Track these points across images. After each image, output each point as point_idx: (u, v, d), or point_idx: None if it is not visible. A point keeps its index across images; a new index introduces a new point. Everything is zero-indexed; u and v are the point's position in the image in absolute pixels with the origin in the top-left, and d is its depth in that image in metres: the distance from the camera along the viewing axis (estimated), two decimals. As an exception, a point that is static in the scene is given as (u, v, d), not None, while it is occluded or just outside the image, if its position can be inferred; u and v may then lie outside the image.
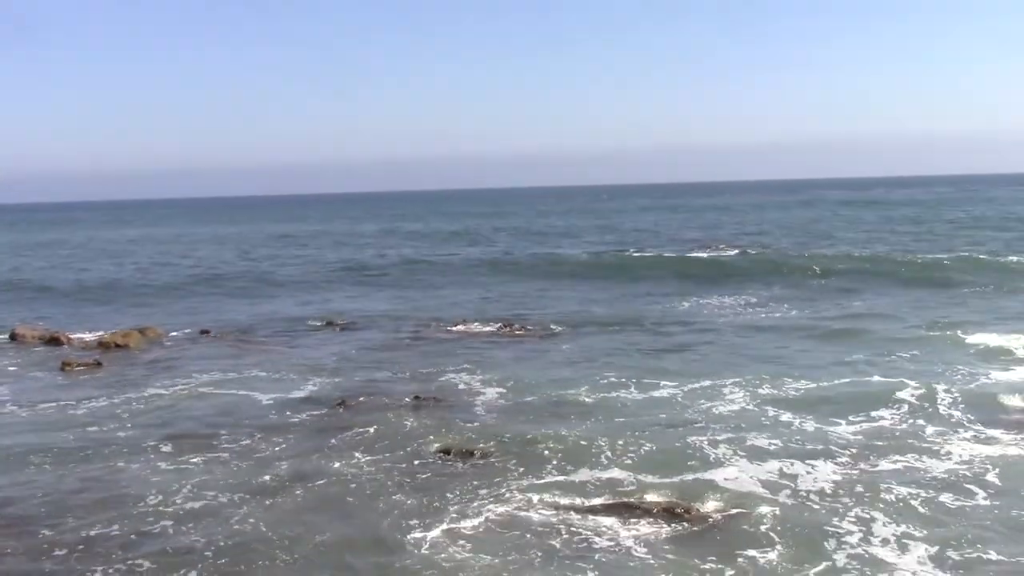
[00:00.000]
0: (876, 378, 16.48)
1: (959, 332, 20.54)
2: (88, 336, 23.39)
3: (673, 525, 9.91)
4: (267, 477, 11.73)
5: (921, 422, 13.60)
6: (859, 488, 10.85)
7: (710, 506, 10.40)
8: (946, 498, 10.49)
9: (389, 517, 10.27)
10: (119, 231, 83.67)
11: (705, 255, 40.52)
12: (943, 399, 14.72)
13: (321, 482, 11.50)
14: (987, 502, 10.38)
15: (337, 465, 12.12)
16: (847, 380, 16.38)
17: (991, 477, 11.12)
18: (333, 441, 13.26)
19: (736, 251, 41.66)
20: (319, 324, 24.82)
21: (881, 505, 10.28)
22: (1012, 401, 14.58)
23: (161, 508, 10.71)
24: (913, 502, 10.38)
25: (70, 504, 10.94)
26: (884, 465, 11.73)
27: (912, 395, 14.95)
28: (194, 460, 12.55)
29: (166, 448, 13.14)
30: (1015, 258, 34.69)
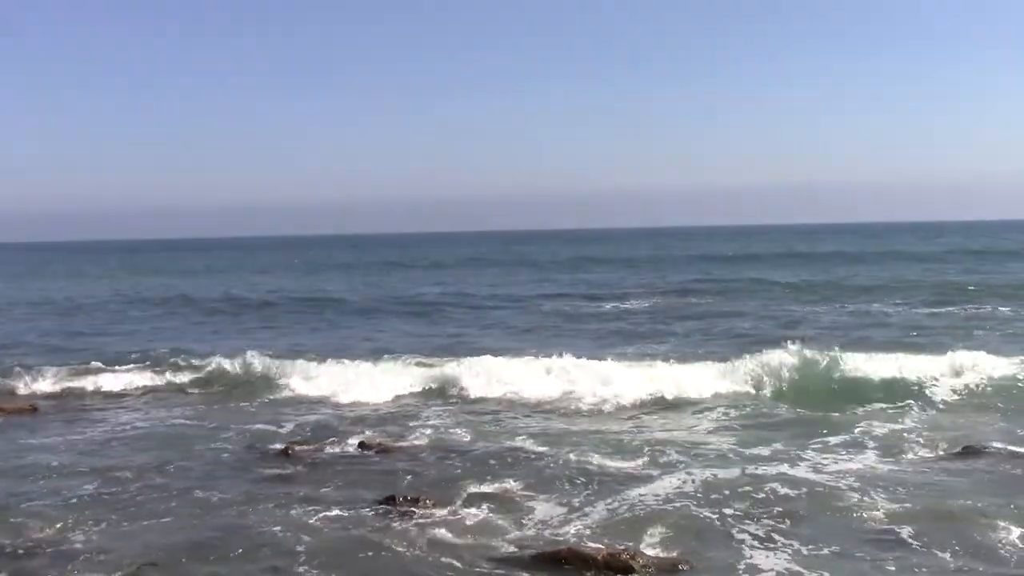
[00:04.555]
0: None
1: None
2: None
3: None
4: (188, 528, 10.83)
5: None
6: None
7: (651, 552, 9.56)
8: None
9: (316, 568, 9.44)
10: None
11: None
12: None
13: (249, 534, 10.55)
14: None
15: (268, 515, 11.21)
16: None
17: None
18: (269, 491, 12.34)
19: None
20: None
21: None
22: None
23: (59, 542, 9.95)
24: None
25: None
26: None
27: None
28: (107, 505, 11.75)
29: (90, 486, 12.49)
30: None
